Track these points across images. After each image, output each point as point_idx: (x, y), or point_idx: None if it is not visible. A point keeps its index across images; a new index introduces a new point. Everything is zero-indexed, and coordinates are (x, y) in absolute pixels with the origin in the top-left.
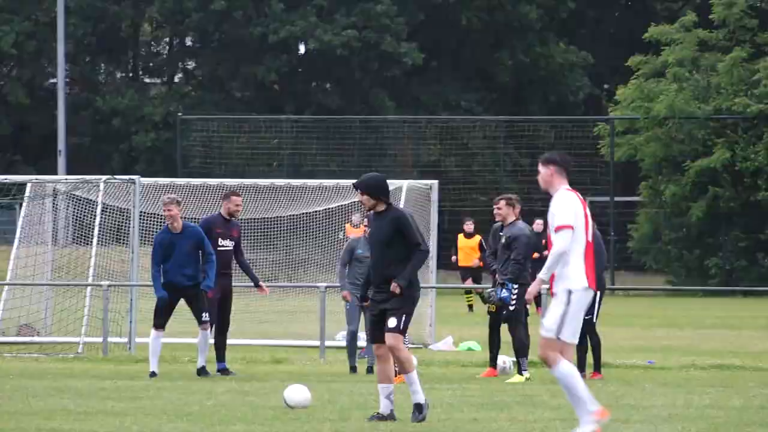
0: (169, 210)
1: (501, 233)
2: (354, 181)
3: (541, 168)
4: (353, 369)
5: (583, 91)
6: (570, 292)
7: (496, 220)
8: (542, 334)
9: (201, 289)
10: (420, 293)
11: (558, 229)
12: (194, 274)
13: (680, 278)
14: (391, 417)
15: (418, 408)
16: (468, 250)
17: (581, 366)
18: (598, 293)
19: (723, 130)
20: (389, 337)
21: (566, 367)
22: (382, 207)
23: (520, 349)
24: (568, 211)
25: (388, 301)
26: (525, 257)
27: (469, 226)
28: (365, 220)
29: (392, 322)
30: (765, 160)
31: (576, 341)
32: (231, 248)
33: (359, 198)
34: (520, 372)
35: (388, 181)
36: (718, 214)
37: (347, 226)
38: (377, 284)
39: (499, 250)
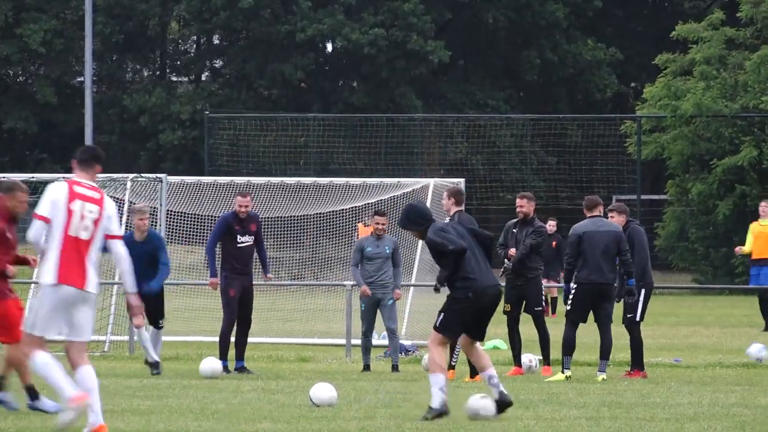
0: (142, 219)
1: (515, 230)
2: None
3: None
4: (366, 367)
5: (610, 89)
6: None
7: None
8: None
9: (159, 296)
10: (464, 293)
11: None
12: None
13: (707, 276)
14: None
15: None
16: None
17: (639, 363)
18: (643, 291)
19: (750, 128)
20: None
21: (42, 358)
22: (424, 232)
23: (565, 348)
24: (45, 201)
25: None
26: (575, 257)
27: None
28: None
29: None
30: None
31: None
32: (251, 244)
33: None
34: (562, 370)
35: (415, 179)
36: (744, 212)
37: (359, 225)
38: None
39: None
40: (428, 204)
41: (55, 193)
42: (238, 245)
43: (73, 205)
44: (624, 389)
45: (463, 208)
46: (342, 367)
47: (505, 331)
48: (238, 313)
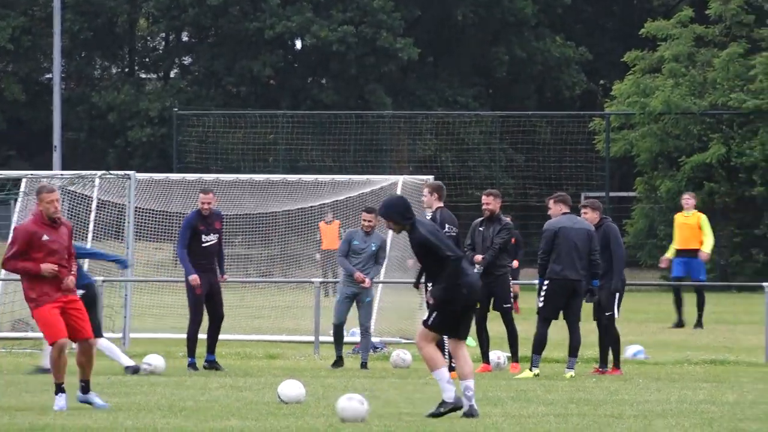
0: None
1: (481, 228)
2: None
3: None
4: (339, 359)
5: (579, 86)
6: None
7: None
8: None
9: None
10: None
11: None
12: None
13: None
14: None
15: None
16: None
17: (604, 361)
18: (617, 293)
19: (718, 125)
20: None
21: None
22: (409, 227)
23: (536, 346)
24: None
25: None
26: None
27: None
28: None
29: (426, 315)
30: (760, 156)
31: None
32: (215, 242)
33: (386, 225)
34: (530, 367)
35: (384, 176)
36: (713, 210)
37: (321, 224)
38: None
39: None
40: None
41: None
42: (203, 245)
43: None
44: (592, 386)
45: (443, 204)
46: (310, 364)
47: (474, 328)
48: (209, 309)
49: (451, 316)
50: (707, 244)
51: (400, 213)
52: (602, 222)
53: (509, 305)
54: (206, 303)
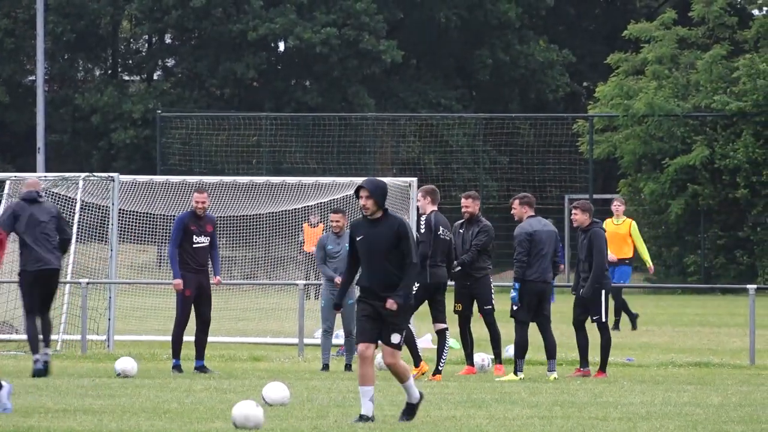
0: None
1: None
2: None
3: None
4: (326, 367)
5: (562, 88)
6: None
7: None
8: None
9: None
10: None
11: None
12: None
13: (659, 276)
14: (372, 419)
15: (409, 408)
16: None
17: (584, 362)
18: (603, 292)
19: (702, 127)
20: (390, 354)
21: None
22: (379, 214)
23: (519, 350)
24: None
25: (391, 313)
26: (527, 255)
27: None
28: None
29: (395, 338)
30: (744, 158)
31: None
32: (206, 244)
33: (362, 202)
34: (515, 372)
35: (366, 178)
36: (696, 212)
37: (305, 225)
38: (380, 291)
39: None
40: None
41: None
42: (194, 245)
43: None
44: (576, 388)
45: (436, 207)
46: (294, 366)
47: (458, 331)
48: (197, 312)
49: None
50: (645, 254)
51: (385, 193)
52: (591, 226)
53: (490, 307)
54: (194, 306)
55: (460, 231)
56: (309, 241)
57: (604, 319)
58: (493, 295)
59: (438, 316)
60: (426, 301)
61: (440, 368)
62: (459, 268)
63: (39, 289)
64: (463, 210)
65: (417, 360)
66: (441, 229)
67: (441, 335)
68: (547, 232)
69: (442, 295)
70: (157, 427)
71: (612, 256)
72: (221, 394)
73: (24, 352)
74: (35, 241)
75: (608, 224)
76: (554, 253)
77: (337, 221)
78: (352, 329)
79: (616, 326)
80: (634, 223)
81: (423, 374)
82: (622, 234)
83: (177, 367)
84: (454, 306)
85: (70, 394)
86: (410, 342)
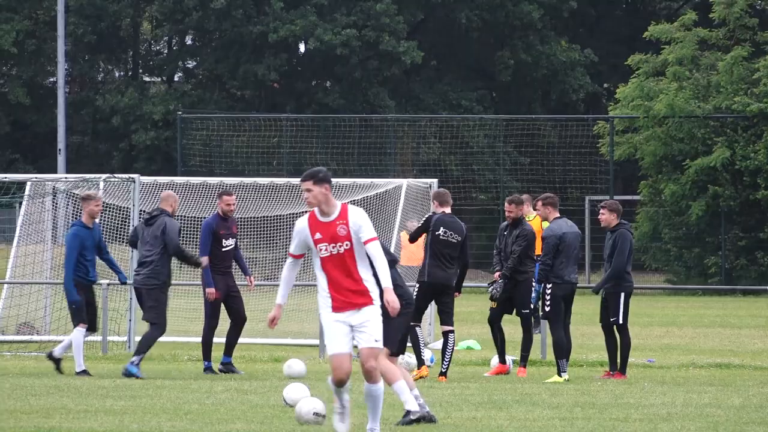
0: (99, 205)
1: (505, 233)
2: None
3: (313, 186)
4: None
5: (584, 90)
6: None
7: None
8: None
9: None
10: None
11: (375, 238)
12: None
13: (680, 277)
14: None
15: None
16: None
17: (614, 364)
18: (623, 295)
19: (723, 129)
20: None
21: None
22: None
23: (559, 351)
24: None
25: None
26: (552, 256)
27: None
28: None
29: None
30: (765, 159)
31: None
32: (233, 246)
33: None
34: (559, 373)
35: (388, 180)
36: (717, 213)
37: None
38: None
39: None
40: (401, 205)
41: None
42: (223, 249)
43: None
44: (597, 390)
45: (448, 209)
46: (315, 368)
47: (479, 331)
48: (230, 312)
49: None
50: None
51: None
52: (619, 226)
53: (527, 310)
54: (225, 306)
55: (504, 234)
56: None
57: (621, 321)
58: (532, 298)
59: (444, 318)
60: (434, 303)
61: (444, 369)
62: (496, 293)
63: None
64: (506, 214)
65: (420, 362)
66: (442, 229)
67: (445, 337)
68: (573, 234)
69: (449, 297)
70: (177, 428)
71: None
72: (242, 395)
73: (45, 353)
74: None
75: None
76: (577, 255)
77: None
78: None
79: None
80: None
81: (421, 378)
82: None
83: (209, 369)
84: (491, 303)
85: (91, 395)
86: (415, 344)
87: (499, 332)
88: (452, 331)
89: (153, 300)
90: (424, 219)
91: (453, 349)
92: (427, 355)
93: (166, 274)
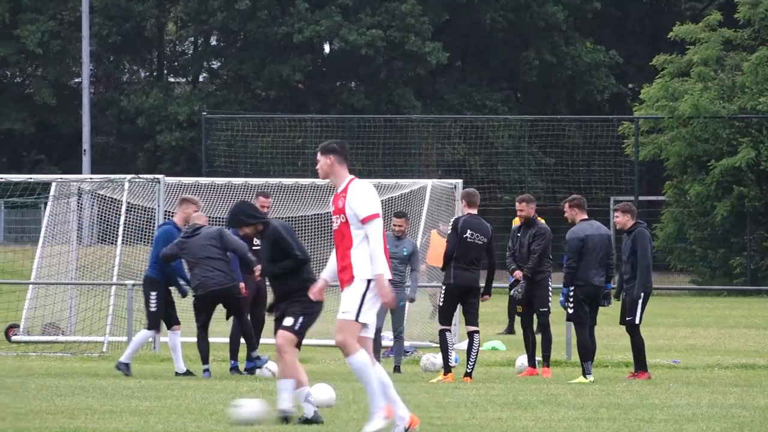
0: (196, 210)
1: (518, 234)
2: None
3: (320, 157)
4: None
5: (608, 90)
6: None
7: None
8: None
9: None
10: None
11: (371, 218)
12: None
13: (705, 278)
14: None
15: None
16: None
17: (642, 365)
18: (643, 295)
19: (747, 129)
20: (280, 336)
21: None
22: (261, 227)
23: (583, 353)
24: (375, 200)
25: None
26: (576, 259)
27: None
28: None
29: (288, 321)
30: None
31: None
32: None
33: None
34: (584, 375)
35: (413, 180)
36: (742, 214)
37: None
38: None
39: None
40: (426, 206)
41: (373, 192)
42: (254, 248)
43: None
44: (622, 390)
45: (474, 210)
46: (340, 368)
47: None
48: (251, 312)
49: (315, 319)
50: None
51: (246, 214)
52: (635, 227)
53: (546, 309)
54: (252, 305)
55: (518, 235)
56: None
57: (637, 321)
58: (550, 298)
59: (469, 318)
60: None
61: (469, 370)
62: (519, 293)
63: None
64: (518, 213)
65: (447, 369)
66: (469, 232)
67: (470, 337)
68: (600, 236)
69: (475, 298)
70: (203, 429)
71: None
72: (267, 395)
73: (70, 353)
74: None
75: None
76: (607, 256)
77: (399, 225)
78: (401, 330)
79: (511, 330)
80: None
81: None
82: None
83: (235, 369)
84: (516, 308)
85: (116, 396)
86: (444, 349)
87: (531, 335)
88: (477, 332)
89: (237, 299)
90: (451, 225)
91: (478, 349)
92: (452, 356)
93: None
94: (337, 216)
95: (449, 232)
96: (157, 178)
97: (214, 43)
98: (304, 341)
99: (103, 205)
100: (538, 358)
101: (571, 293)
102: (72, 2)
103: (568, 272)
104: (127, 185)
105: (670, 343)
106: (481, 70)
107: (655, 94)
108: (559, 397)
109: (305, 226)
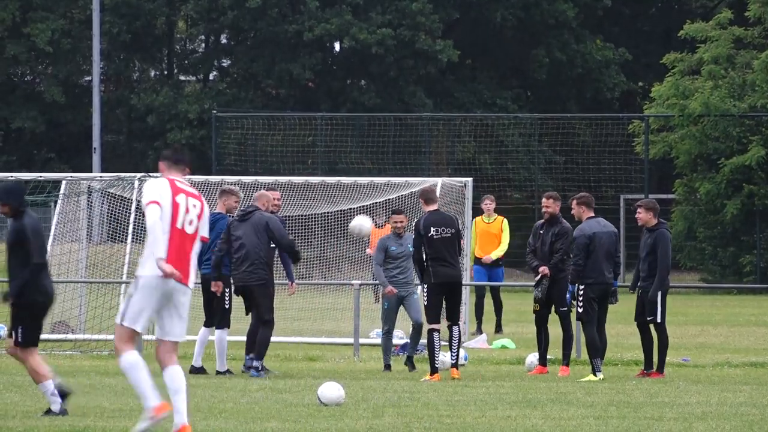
0: (237, 201)
1: (541, 231)
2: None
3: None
4: (387, 367)
5: (619, 88)
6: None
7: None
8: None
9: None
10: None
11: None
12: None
13: (714, 276)
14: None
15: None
16: None
17: (650, 363)
18: (660, 294)
19: (758, 127)
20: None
21: (131, 358)
22: (18, 215)
23: (593, 350)
24: (154, 191)
25: None
26: (584, 257)
27: None
28: (390, 218)
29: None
30: None
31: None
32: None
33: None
34: (594, 372)
35: (423, 178)
36: (752, 212)
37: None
38: None
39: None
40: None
41: (159, 185)
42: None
43: (178, 198)
44: (632, 388)
45: (434, 207)
46: (350, 367)
47: (513, 330)
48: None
49: (39, 325)
50: (499, 249)
51: (18, 196)
52: (658, 226)
53: (565, 308)
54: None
55: (540, 232)
56: (375, 241)
57: (659, 320)
58: (568, 296)
59: (450, 315)
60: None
61: (452, 361)
62: (541, 294)
63: None
64: (543, 210)
65: (433, 369)
66: (433, 229)
67: (450, 330)
68: (607, 234)
69: (459, 295)
70: (212, 427)
71: (487, 257)
72: (276, 394)
73: (80, 352)
74: None
75: (479, 222)
76: (614, 254)
77: (401, 222)
78: (420, 320)
79: (499, 329)
80: (506, 220)
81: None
82: (493, 233)
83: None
84: (533, 307)
85: (126, 394)
86: (431, 349)
87: (544, 334)
88: (457, 324)
89: (265, 296)
90: (413, 228)
91: (460, 340)
92: (461, 354)
93: (270, 270)
94: None
95: (413, 236)
96: None
97: (224, 41)
98: (314, 340)
99: (113, 204)
100: (550, 357)
101: (581, 291)
102: (82, 1)
103: (575, 270)
104: (137, 183)
105: (679, 341)
106: (491, 68)
107: (665, 92)
108: (569, 395)
109: (315, 225)
